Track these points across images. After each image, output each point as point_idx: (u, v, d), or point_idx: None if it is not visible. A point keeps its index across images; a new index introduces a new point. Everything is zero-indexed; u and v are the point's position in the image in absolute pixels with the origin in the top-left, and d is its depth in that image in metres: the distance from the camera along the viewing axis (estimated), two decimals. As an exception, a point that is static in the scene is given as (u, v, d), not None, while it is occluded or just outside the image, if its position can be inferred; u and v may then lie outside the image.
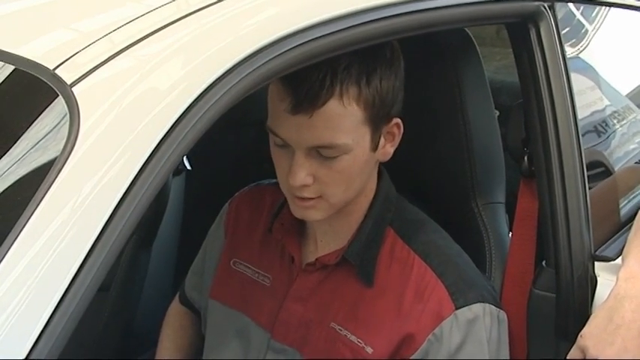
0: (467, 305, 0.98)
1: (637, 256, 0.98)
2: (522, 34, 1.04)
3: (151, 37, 0.79)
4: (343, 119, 0.92)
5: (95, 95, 0.74)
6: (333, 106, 0.91)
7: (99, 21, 0.89)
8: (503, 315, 1.02)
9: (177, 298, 1.31)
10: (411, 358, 0.98)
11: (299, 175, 0.94)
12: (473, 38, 1.18)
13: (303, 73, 0.85)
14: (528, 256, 1.09)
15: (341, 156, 0.94)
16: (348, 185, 0.98)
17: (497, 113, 1.40)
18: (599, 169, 1.25)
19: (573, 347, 0.96)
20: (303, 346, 1.04)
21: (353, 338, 1.00)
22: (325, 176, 0.95)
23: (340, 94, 0.91)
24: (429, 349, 0.98)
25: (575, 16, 1.60)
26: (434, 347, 0.97)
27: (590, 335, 0.95)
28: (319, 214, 1.00)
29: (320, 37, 0.81)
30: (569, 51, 1.55)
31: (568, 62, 1.08)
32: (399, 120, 1.00)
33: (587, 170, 1.07)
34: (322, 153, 0.94)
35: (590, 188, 1.08)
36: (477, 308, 0.99)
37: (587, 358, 0.94)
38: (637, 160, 1.50)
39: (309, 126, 0.92)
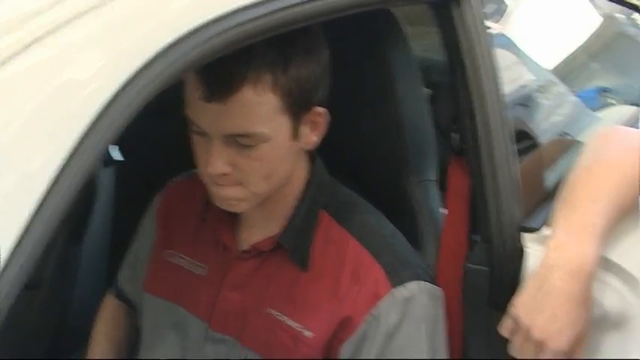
0: (403, 284, 1.00)
1: (564, 225, 1.01)
2: (446, 13, 1.05)
3: (69, 25, 0.76)
4: (258, 107, 0.91)
5: (8, 89, 0.70)
6: (247, 94, 0.90)
7: (10, 10, 0.84)
8: (438, 291, 1.04)
9: (110, 291, 1.28)
10: (349, 339, 0.99)
11: (216, 164, 0.93)
12: (398, 18, 1.18)
13: (217, 60, 0.83)
14: (461, 232, 1.11)
15: (259, 145, 0.93)
16: (268, 174, 0.97)
17: (430, 92, 1.42)
18: (525, 142, 1.28)
19: (506, 317, 0.99)
20: (241, 334, 1.03)
21: (291, 323, 1.00)
22: (244, 165, 0.94)
23: (254, 81, 0.90)
24: (367, 329, 0.99)
25: (495, -8, 1.63)
26: (372, 327, 0.98)
27: (522, 304, 0.97)
28: (242, 205, 0.99)
29: (246, 21, 0.79)
30: (493, 27, 1.59)
31: (491, 39, 1.10)
32: (322, 110, 0.99)
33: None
34: (240, 141, 0.93)
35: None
36: (413, 286, 1.00)
37: (519, 326, 0.97)
38: (561, 132, 1.54)
39: (223, 114, 0.90)
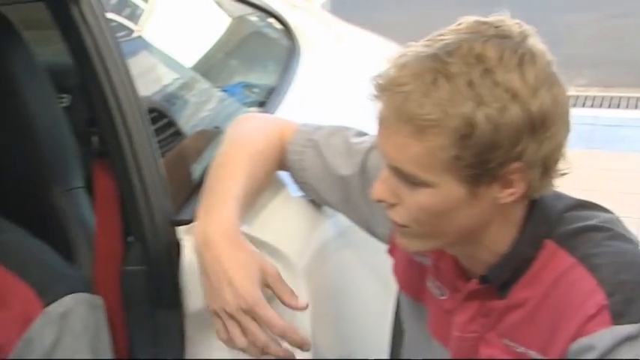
0: (57, 299, 0.95)
1: (203, 212, 1.05)
2: (64, 13, 1.01)
3: None
4: None
5: None
6: None
7: None
8: (97, 300, 1.01)
9: None
10: None
11: None
12: (15, 23, 1.11)
13: None
14: (115, 236, 1.09)
15: None
16: None
17: (69, 97, 1.36)
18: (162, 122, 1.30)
19: (213, 320, 1.00)
20: None
21: None
22: None
23: None
24: (21, 353, 0.92)
25: (129, -2, 1.63)
26: (25, 352, 0.92)
27: (210, 298, 0.99)
28: None
29: None
30: (134, 30, 1.58)
31: (118, 40, 1.09)
32: None
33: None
34: None
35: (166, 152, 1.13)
36: (69, 300, 0.96)
37: (223, 320, 0.98)
38: (212, 127, 1.60)
39: None
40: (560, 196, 0.98)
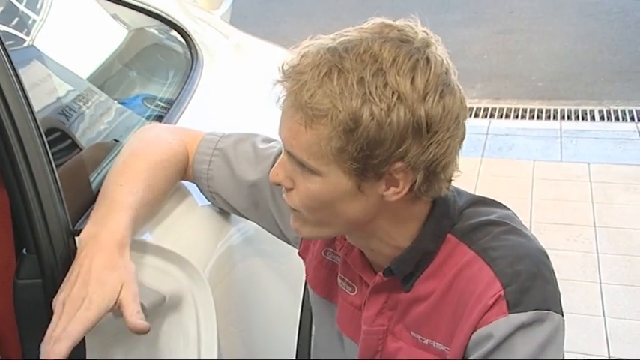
0: None
1: (94, 218, 1.05)
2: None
3: None
4: None
5: None
6: None
7: None
8: None
9: None
10: None
11: None
12: None
13: None
14: (6, 248, 1.05)
15: None
16: None
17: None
18: (57, 135, 1.27)
19: (54, 315, 0.97)
20: None
21: None
22: None
23: None
24: None
25: (18, 8, 1.59)
26: None
27: (64, 298, 0.97)
28: None
29: None
30: (26, 41, 1.54)
31: (12, 53, 1.06)
32: None
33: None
34: None
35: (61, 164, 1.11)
36: None
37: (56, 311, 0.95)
38: (111, 140, 1.57)
39: None
40: (461, 193, 1.03)
